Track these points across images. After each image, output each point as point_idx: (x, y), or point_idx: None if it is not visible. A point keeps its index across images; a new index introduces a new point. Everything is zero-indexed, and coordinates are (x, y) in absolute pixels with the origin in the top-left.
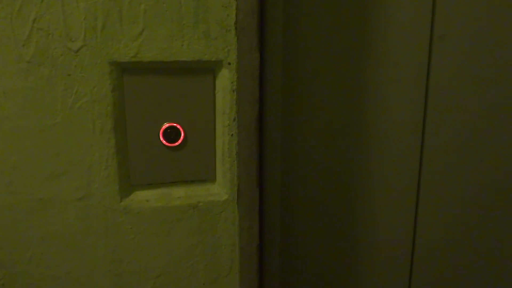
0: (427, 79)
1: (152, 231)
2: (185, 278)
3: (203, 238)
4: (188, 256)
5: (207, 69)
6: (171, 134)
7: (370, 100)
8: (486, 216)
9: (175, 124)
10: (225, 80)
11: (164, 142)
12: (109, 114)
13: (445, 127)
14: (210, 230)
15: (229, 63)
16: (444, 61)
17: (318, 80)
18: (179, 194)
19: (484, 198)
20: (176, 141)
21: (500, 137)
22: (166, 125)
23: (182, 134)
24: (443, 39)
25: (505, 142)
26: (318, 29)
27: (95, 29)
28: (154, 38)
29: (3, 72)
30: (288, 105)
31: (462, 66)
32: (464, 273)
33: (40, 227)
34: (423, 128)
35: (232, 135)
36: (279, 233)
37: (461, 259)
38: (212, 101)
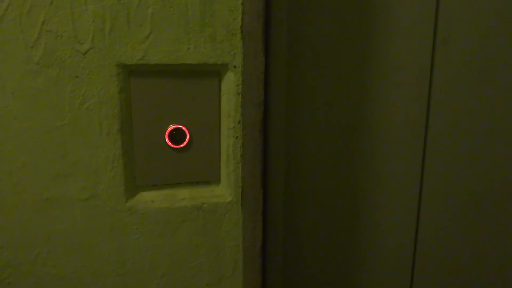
0: (429, 83)
1: (157, 231)
2: (189, 279)
3: (207, 239)
4: (192, 256)
5: (212, 72)
6: (176, 136)
7: (373, 103)
8: (488, 218)
9: (180, 126)
10: (230, 83)
11: (169, 143)
12: (116, 116)
13: (448, 131)
14: (214, 231)
15: (235, 67)
16: (447, 65)
17: (322, 83)
18: (184, 195)
19: (486, 200)
20: (182, 142)
21: (503, 140)
22: (172, 127)
23: (188, 136)
24: (446, 42)
25: (507, 146)
26: (322, 32)
27: (103, 32)
28: (161, 41)
29: (12, 73)
30: (292, 108)
31: (465, 70)
32: (466, 275)
33: (46, 226)
34: (425, 132)
35: (236, 137)
36: (282, 234)
37: (463, 261)
38: (217, 104)
